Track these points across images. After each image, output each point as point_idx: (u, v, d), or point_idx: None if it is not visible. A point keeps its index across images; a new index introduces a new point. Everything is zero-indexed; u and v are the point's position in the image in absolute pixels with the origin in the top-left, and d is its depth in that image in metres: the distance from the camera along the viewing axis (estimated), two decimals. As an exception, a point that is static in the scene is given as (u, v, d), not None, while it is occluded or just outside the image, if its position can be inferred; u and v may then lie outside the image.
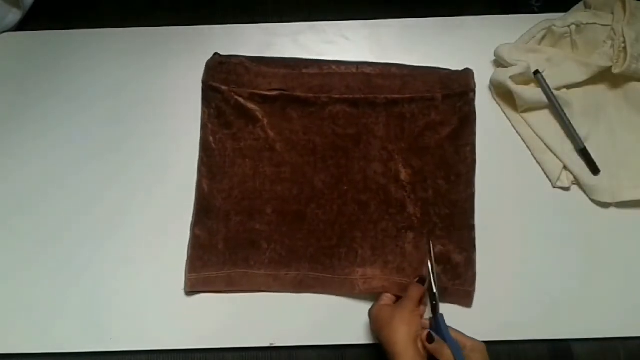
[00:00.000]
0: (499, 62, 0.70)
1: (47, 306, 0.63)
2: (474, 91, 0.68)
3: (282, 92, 0.68)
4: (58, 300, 0.63)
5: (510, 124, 0.69)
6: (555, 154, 0.66)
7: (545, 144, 0.67)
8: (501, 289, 0.63)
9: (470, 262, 0.63)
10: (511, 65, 0.68)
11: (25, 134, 0.71)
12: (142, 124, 0.70)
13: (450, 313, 0.61)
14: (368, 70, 0.69)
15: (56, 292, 0.63)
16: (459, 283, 0.62)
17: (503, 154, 0.68)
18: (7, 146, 0.70)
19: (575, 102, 0.67)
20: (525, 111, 0.68)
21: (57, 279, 0.64)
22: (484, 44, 0.71)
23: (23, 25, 0.77)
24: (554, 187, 0.66)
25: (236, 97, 0.68)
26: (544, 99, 0.67)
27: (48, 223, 0.66)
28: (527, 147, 0.68)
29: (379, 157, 0.66)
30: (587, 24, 0.67)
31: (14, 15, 0.76)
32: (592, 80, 0.68)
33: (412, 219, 0.64)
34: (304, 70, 0.69)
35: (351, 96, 0.67)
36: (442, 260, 0.63)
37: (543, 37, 0.69)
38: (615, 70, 0.65)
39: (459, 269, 0.62)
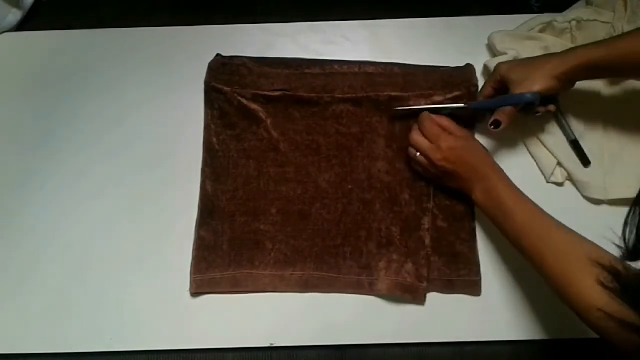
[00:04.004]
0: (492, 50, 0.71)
1: (48, 306, 0.63)
2: (476, 86, 0.68)
3: (285, 92, 0.68)
4: (59, 300, 0.63)
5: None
6: (548, 149, 0.66)
7: (539, 139, 0.67)
8: (499, 288, 0.63)
9: (473, 251, 0.63)
10: (501, 54, 0.68)
11: (24, 134, 0.70)
12: (144, 124, 0.70)
13: (451, 312, 0.62)
14: (370, 69, 0.70)
15: (57, 293, 0.63)
16: (465, 273, 0.63)
17: (497, 149, 0.68)
18: (5, 146, 0.70)
19: (569, 96, 0.67)
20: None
21: (58, 280, 0.64)
22: (484, 44, 0.71)
23: (23, 25, 0.77)
24: (548, 182, 0.66)
25: (239, 97, 0.68)
26: None
27: (49, 223, 0.66)
28: (522, 142, 0.68)
29: (383, 155, 0.66)
30: (588, 20, 0.68)
31: (14, 15, 0.76)
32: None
33: (417, 215, 0.64)
34: (307, 70, 0.69)
35: (354, 95, 0.68)
36: (446, 252, 0.63)
37: (541, 31, 0.69)
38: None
39: (463, 259, 0.63)
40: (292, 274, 0.63)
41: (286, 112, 0.68)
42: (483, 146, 0.63)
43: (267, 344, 0.61)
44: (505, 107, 0.61)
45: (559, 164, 0.66)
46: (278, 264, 0.63)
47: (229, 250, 0.64)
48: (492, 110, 0.62)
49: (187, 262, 0.64)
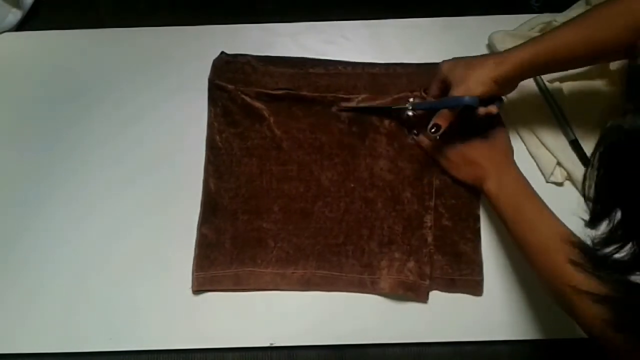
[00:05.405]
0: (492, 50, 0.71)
1: (48, 306, 0.63)
2: None
3: (289, 91, 0.68)
4: (59, 300, 0.63)
5: (505, 118, 0.69)
6: (548, 150, 0.66)
7: (539, 139, 0.67)
8: (500, 288, 0.63)
9: (477, 251, 0.63)
10: None
11: (24, 134, 0.70)
12: (145, 124, 0.70)
13: (451, 312, 0.62)
14: (374, 70, 0.70)
15: (57, 292, 0.63)
16: (467, 273, 0.63)
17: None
18: (5, 146, 0.70)
19: (569, 97, 0.68)
20: (518, 105, 0.68)
21: (59, 279, 0.63)
22: (484, 44, 0.72)
23: (23, 25, 0.77)
24: (547, 182, 0.66)
25: (243, 96, 0.68)
26: (535, 88, 0.68)
27: (50, 222, 0.66)
28: (522, 141, 0.68)
29: (385, 153, 0.67)
30: (588, 19, 0.67)
31: (14, 15, 0.76)
32: (589, 75, 0.68)
33: (419, 214, 0.64)
34: (311, 70, 0.70)
35: (357, 96, 0.68)
36: (449, 252, 0.63)
37: (541, 31, 0.69)
38: (613, 67, 0.66)
39: (466, 259, 0.63)
40: (294, 272, 0.63)
41: (289, 111, 0.68)
42: (508, 138, 0.64)
43: (267, 344, 0.61)
44: (444, 110, 0.60)
45: (559, 164, 0.66)
46: (280, 262, 0.63)
47: (231, 248, 0.64)
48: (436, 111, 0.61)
49: (189, 260, 0.64)
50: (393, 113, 0.67)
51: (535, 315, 0.61)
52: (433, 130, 0.60)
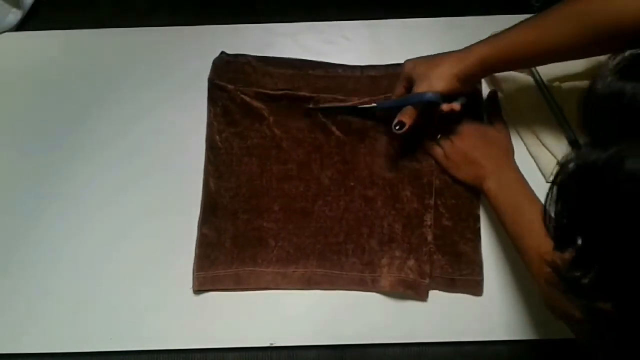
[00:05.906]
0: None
1: (48, 306, 0.63)
2: (477, 89, 0.69)
3: (287, 91, 0.68)
4: (59, 300, 0.63)
5: (506, 118, 0.69)
6: (548, 150, 0.66)
7: (539, 139, 0.67)
8: (500, 288, 0.63)
9: (477, 251, 0.63)
10: None
11: (24, 134, 0.70)
12: (145, 123, 0.70)
13: (451, 312, 0.62)
14: (373, 73, 0.70)
15: (57, 292, 0.63)
16: (467, 273, 0.63)
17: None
18: (3, 146, 0.70)
19: (569, 97, 0.67)
20: (518, 105, 0.68)
21: (59, 279, 0.64)
22: (484, 44, 0.71)
23: (23, 25, 0.77)
24: (547, 182, 0.66)
25: (242, 95, 0.68)
26: (535, 88, 0.68)
27: (50, 221, 0.66)
28: (522, 141, 0.68)
29: (385, 152, 0.67)
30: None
31: (14, 15, 0.76)
32: (589, 75, 0.68)
33: (419, 212, 0.64)
34: (310, 72, 0.70)
35: (356, 97, 0.68)
36: (449, 251, 0.63)
37: None
38: (614, 66, 0.66)
39: (466, 259, 0.63)
40: (294, 271, 0.63)
41: (289, 110, 0.68)
42: (509, 139, 0.65)
43: (267, 344, 0.61)
44: (407, 107, 0.60)
45: (558, 164, 0.66)
46: (281, 261, 0.63)
47: (231, 248, 0.64)
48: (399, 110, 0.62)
49: (190, 260, 0.64)
50: (360, 112, 0.68)
51: (535, 315, 0.61)
52: (397, 127, 0.60)
